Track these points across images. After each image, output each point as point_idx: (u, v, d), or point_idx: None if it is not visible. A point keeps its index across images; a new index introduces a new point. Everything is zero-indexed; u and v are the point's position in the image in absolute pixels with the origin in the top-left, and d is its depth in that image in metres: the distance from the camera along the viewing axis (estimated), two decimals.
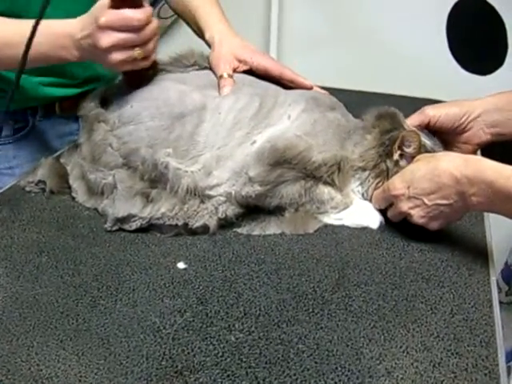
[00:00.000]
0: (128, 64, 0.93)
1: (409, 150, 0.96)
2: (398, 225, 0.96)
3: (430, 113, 1.03)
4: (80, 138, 1.04)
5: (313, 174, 0.95)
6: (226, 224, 0.95)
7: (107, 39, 0.89)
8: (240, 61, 1.10)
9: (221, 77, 1.05)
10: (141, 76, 1.01)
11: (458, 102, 1.06)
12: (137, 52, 0.92)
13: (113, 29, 0.89)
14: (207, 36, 1.15)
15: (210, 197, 0.94)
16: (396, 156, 0.97)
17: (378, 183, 0.98)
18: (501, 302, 1.25)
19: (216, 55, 1.10)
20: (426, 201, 0.89)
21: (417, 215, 0.91)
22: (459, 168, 0.85)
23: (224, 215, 0.93)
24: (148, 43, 0.93)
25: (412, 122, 1.04)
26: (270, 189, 0.93)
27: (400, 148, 0.97)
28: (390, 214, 0.96)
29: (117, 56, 0.91)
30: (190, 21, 1.23)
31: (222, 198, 0.94)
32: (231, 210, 0.94)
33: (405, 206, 0.91)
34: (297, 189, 0.95)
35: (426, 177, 0.88)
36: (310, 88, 1.09)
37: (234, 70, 1.08)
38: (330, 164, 0.95)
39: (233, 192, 0.93)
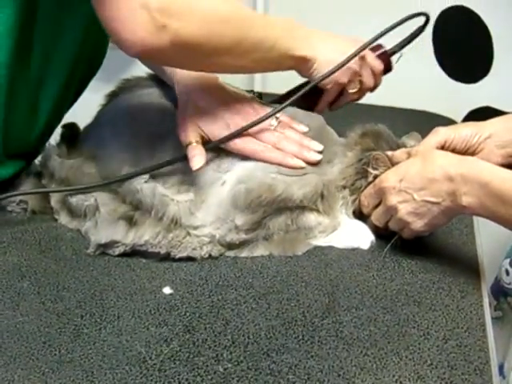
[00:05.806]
0: None
1: (375, 172, 0.94)
2: (387, 244, 0.94)
3: (446, 134, 0.99)
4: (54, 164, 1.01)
5: (297, 206, 0.93)
6: None
7: None
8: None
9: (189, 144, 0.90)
10: None
11: (469, 123, 1.03)
12: None
13: None
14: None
15: (194, 235, 0.91)
16: (370, 178, 0.95)
17: (354, 200, 0.97)
18: None
19: (181, 121, 0.92)
20: (415, 196, 0.87)
21: (403, 210, 0.88)
22: (455, 166, 0.84)
23: (208, 255, 0.91)
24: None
25: (429, 145, 0.99)
26: (254, 235, 0.91)
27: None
28: (375, 214, 0.94)
29: None
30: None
31: (206, 239, 0.91)
32: (216, 251, 0.91)
33: (394, 199, 0.89)
34: (283, 219, 0.92)
35: (419, 172, 0.87)
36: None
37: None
38: (311, 195, 0.92)
39: (217, 235, 0.90)
